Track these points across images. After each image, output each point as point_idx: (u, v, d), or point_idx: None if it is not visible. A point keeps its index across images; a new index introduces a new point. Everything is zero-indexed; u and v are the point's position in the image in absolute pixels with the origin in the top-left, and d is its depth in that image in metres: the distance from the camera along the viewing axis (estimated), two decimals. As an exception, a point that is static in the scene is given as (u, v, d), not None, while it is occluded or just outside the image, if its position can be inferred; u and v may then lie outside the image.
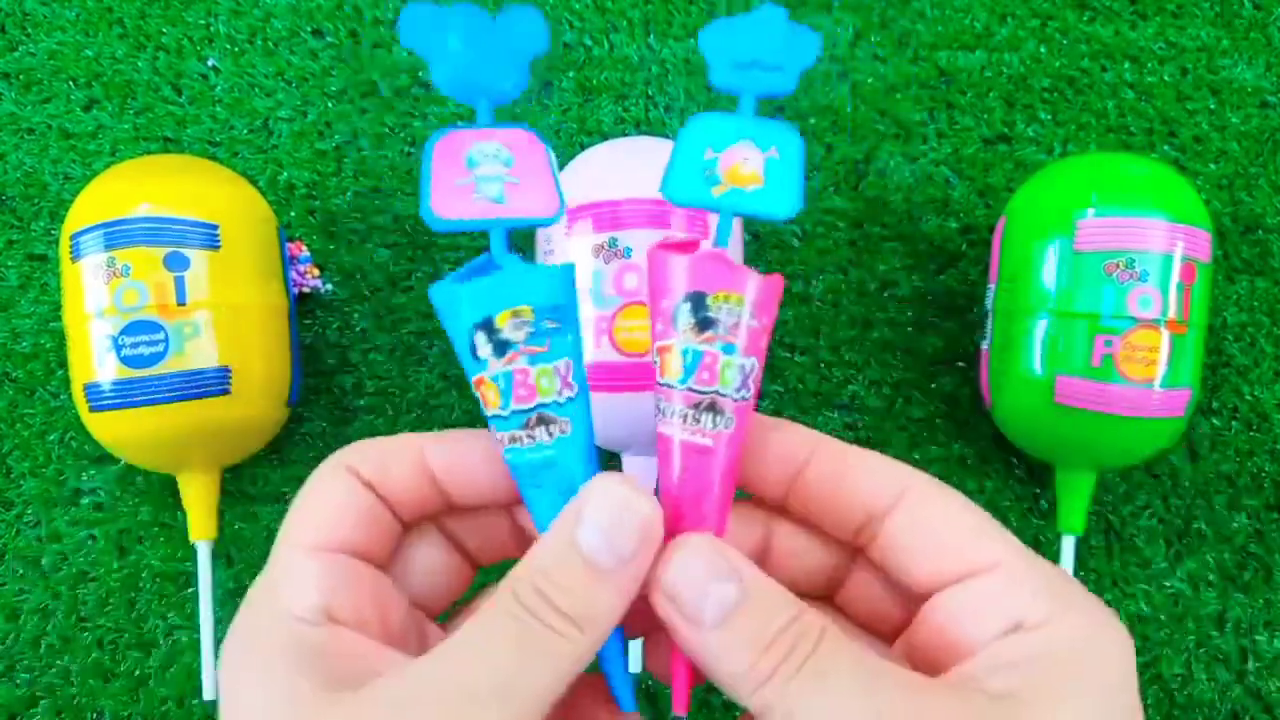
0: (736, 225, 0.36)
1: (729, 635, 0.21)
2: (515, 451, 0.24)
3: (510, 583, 0.21)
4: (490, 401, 0.24)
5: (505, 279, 0.24)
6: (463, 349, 0.24)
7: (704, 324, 0.24)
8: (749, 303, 0.24)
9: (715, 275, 0.24)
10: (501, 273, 0.24)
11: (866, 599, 0.25)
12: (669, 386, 0.24)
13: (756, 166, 0.25)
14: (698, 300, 0.24)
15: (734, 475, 0.24)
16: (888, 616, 0.24)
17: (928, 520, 0.23)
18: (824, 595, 0.25)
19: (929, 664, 0.22)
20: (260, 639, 0.20)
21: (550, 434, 0.24)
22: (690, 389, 0.24)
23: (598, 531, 0.21)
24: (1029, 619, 0.21)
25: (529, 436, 0.24)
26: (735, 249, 0.35)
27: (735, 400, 0.23)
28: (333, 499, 0.23)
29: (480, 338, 0.24)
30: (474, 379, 0.24)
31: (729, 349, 0.24)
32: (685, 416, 0.24)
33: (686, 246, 0.25)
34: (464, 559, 0.26)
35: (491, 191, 0.25)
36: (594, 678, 0.24)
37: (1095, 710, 0.20)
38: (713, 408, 0.23)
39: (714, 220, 0.34)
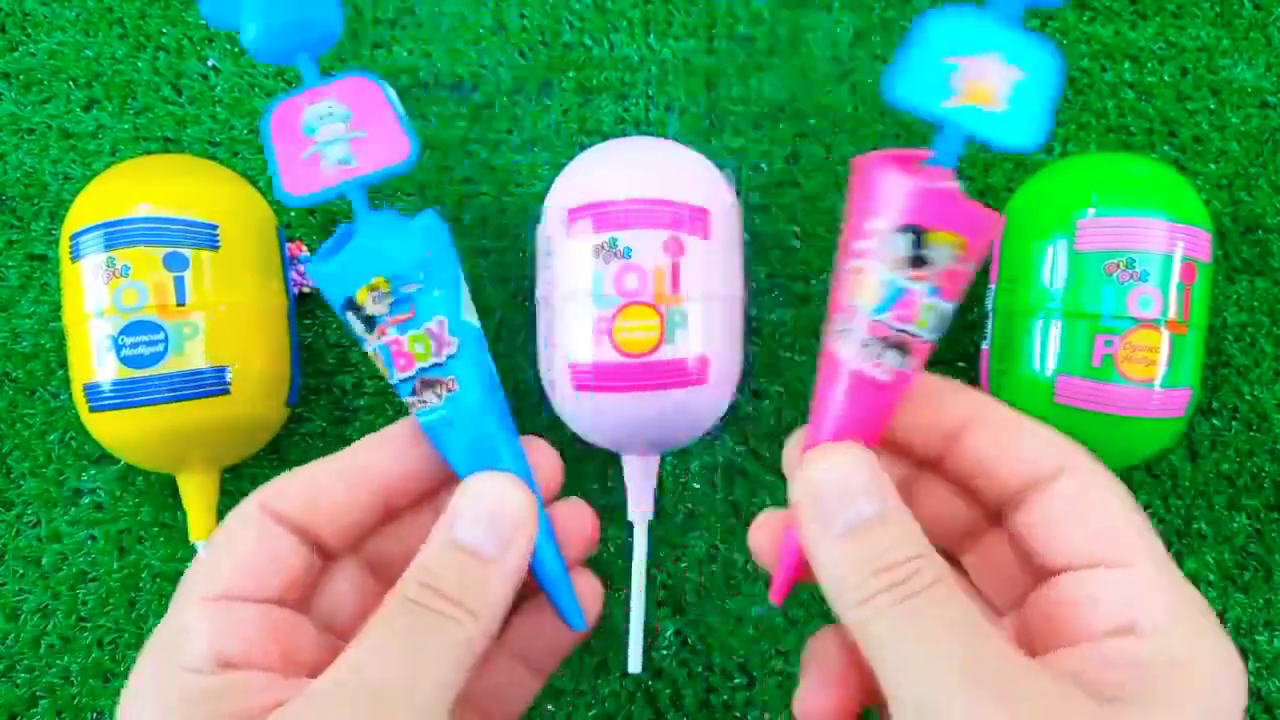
0: (733, 221, 0.36)
1: (851, 547, 0.21)
2: (420, 414, 0.24)
3: (399, 585, 0.22)
4: (383, 373, 0.24)
5: (355, 253, 0.23)
6: (346, 326, 0.24)
7: (917, 261, 0.21)
8: (970, 249, 0.21)
9: (944, 212, 0.21)
10: (353, 243, 0.24)
11: (992, 567, 0.24)
12: (857, 310, 0.22)
13: (1003, 85, 0.21)
14: (917, 235, 0.21)
15: (893, 411, 0.23)
16: (1007, 590, 0.24)
17: (1078, 501, 0.22)
18: (950, 555, 0.25)
19: (1032, 641, 0.22)
20: (150, 695, 0.21)
21: (439, 395, 0.24)
22: (883, 321, 0.22)
23: (475, 523, 0.22)
24: (1144, 625, 0.21)
25: (420, 401, 0.24)
26: (735, 246, 0.35)
27: (925, 341, 0.22)
28: (239, 546, 0.23)
29: (350, 317, 0.24)
30: (366, 353, 0.24)
31: (934, 291, 0.22)
32: (868, 346, 0.22)
33: (904, 160, 0.22)
34: (380, 579, 0.26)
35: (338, 154, 0.24)
36: (544, 605, 0.25)
37: None
38: (900, 346, 0.22)
39: (714, 219, 0.34)
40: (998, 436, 0.23)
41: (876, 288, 0.22)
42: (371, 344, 0.24)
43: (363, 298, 0.23)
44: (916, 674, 0.19)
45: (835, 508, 0.21)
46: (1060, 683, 0.20)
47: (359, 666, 0.20)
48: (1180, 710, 0.20)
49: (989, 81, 0.21)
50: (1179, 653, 0.20)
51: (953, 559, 0.25)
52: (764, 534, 0.25)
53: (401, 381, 0.24)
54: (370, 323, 0.24)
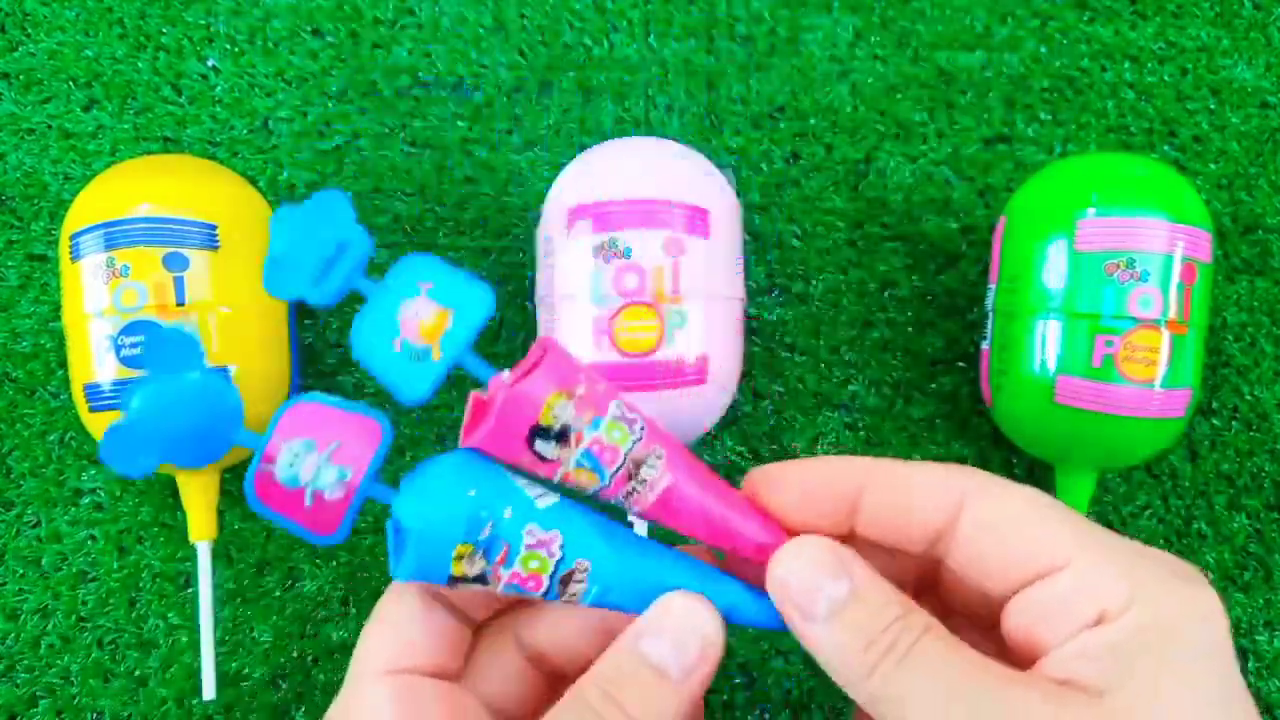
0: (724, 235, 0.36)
1: (839, 629, 0.22)
2: (581, 600, 0.24)
3: (579, 686, 0.22)
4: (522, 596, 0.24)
5: (423, 545, 0.22)
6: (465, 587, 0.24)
7: (563, 436, 0.23)
8: (561, 387, 0.23)
9: (521, 409, 0.23)
10: (411, 542, 0.23)
11: (959, 594, 0.25)
12: (605, 491, 0.24)
13: (432, 308, 0.24)
14: (540, 432, 0.23)
15: (706, 476, 0.25)
16: (983, 607, 0.24)
17: (989, 528, 0.23)
18: (918, 595, 0.25)
19: (1022, 657, 0.22)
20: None
21: (581, 581, 0.24)
22: (612, 476, 0.24)
23: (665, 643, 0.22)
24: (1110, 608, 0.21)
25: (570, 595, 0.24)
26: (735, 246, 0.35)
27: (640, 441, 0.24)
28: (399, 616, 0.24)
29: (458, 585, 0.23)
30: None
31: (594, 424, 0.24)
32: (628, 495, 0.24)
33: (476, 413, 0.24)
34: (538, 666, 0.26)
35: (330, 478, 0.23)
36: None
37: (1191, 688, 0.20)
38: (635, 470, 0.24)
39: (714, 219, 0.34)
40: (888, 497, 0.24)
41: (583, 473, 0.24)
42: (497, 587, 0.23)
43: (459, 570, 0.23)
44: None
45: (810, 600, 0.22)
46: (1059, 690, 0.20)
47: None
48: (1171, 671, 0.20)
49: (425, 317, 0.23)
50: (1145, 619, 0.21)
51: (931, 592, 0.26)
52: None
53: (546, 593, 0.24)
54: (482, 579, 0.23)
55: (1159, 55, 0.42)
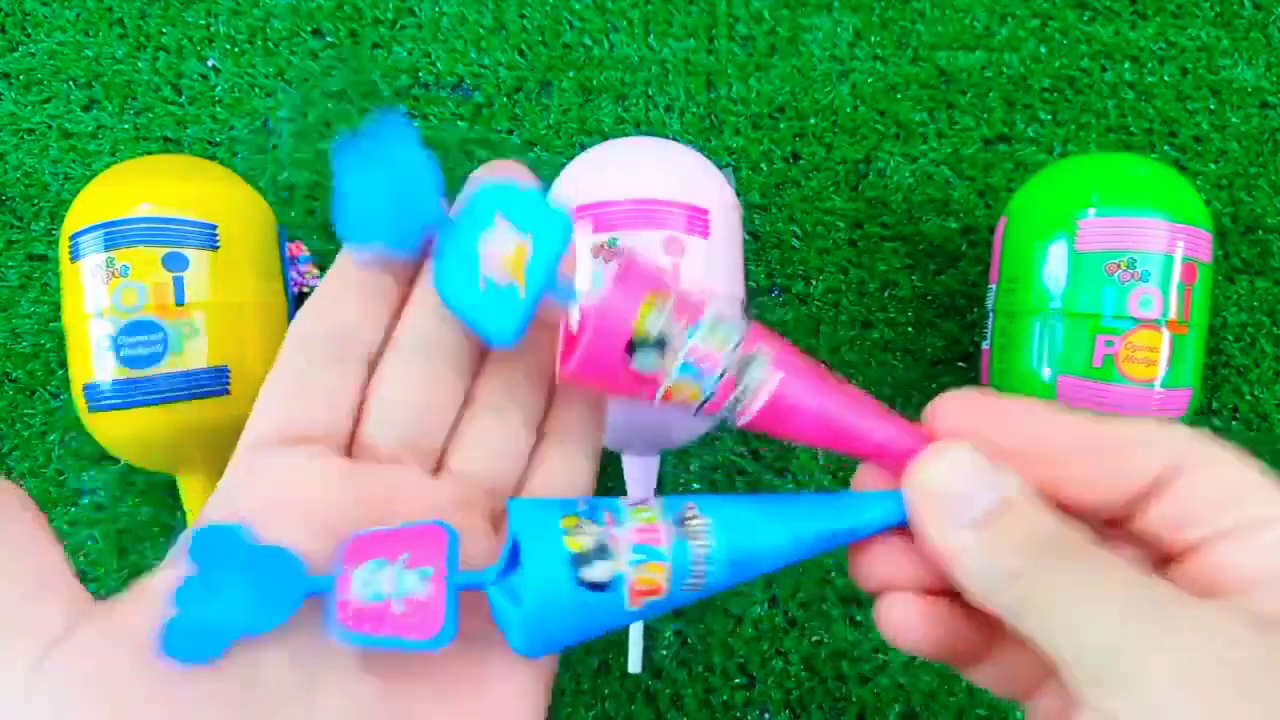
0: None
1: (989, 536, 0.21)
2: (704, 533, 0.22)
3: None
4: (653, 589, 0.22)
5: (542, 580, 0.20)
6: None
7: (660, 345, 0.22)
8: (655, 295, 0.22)
9: (624, 307, 0.22)
10: (535, 599, 0.20)
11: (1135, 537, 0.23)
12: (710, 402, 0.22)
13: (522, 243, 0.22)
14: (639, 343, 0.22)
15: (813, 366, 0.23)
16: (1158, 550, 0.22)
17: (1208, 487, 0.22)
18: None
19: (1202, 592, 0.21)
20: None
21: (695, 518, 0.22)
22: (720, 380, 0.22)
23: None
24: None
25: (694, 531, 0.22)
26: (735, 246, 0.35)
27: (737, 344, 0.22)
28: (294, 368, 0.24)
29: (586, 569, 0.21)
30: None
31: (692, 330, 0.22)
32: (741, 404, 0.22)
33: (570, 341, 0.23)
34: None
35: (413, 582, 0.21)
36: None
37: None
38: (741, 369, 0.22)
39: (714, 219, 0.34)
40: (1087, 454, 0.22)
41: (687, 384, 0.22)
42: (622, 558, 0.21)
43: (578, 546, 0.21)
44: (1094, 630, 0.19)
45: (964, 504, 0.21)
46: (1235, 612, 0.19)
47: None
48: None
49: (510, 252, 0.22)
50: None
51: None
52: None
53: (685, 593, 0.21)
54: (604, 551, 0.21)
55: (1159, 55, 0.42)
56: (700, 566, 0.21)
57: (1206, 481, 0.22)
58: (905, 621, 0.23)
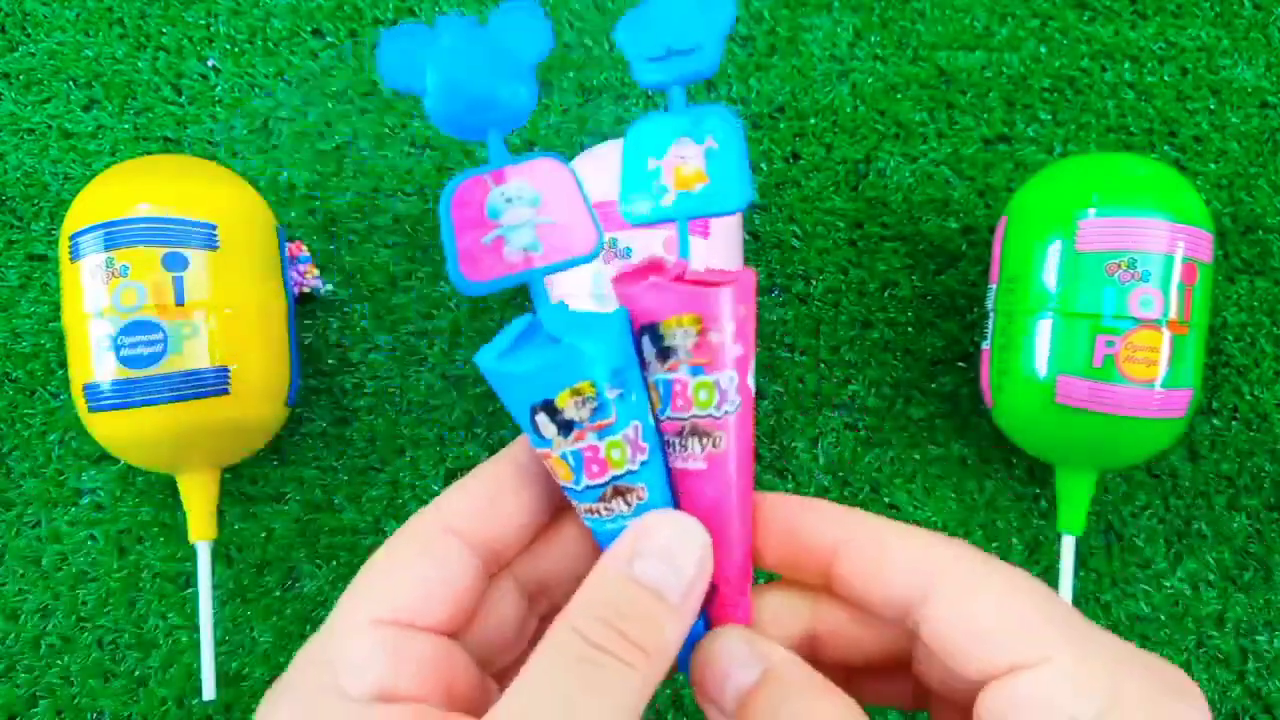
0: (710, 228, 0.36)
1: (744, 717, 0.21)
2: (594, 521, 0.22)
3: (569, 621, 0.20)
4: (562, 475, 0.22)
5: (559, 355, 0.21)
6: (524, 424, 0.22)
7: (664, 353, 0.22)
8: (705, 319, 0.22)
9: (660, 303, 0.22)
10: (550, 347, 0.21)
11: (936, 671, 0.24)
12: (660, 419, 0.23)
13: (698, 163, 0.23)
14: (652, 332, 0.22)
15: (746, 488, 0.23)
16: (960, 688, 0.23)
17: (968, 611, 0.21)
18: (897, 666, 0.24)
19: None
20: (307, 715, 0.20)
21: (629, 504, 0.22)
22: (670, 418, 0.22)
23: (658, 564, 0.21)
24: (1082, 715, 0.19)
25: (606, 509, 0.22)
26: (734, 246, 0.35)
27: (718, 418, 0.22)
28: (415, 566, 0.21)
29: (542, 419, 0.22)
30: (539, 452, 0.22)
31: (695, 370, 0.22)
32: (673, 445, 0.23)
33: (645, 272, 0.23)
34: (536, 609, 0.25)
35: (523, 240, 0.22)
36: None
37: None
38: (695, 431, 0.22)
39: (714, 219, 0.34)
40: (866, 559, 0.22)
41: (656, 392, 0.22)
42: (560, 448, 0.22)
43: (564, 402, 0.21)
44: None
45: (722, 691, 0.22)
46: None
47: (532, 709, 0.19)
48: None
49: (687, 166, 0.23)
50: None
51: (907, 669, 0.25)
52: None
53: (590, 488, 0.22)
54: (567, 427, 0.21)
55: (1159, 55, 0.42)
56: (594, 514, 0.22)
57: (960, 614, 0.21)
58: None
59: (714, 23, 0.23)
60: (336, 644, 0.20)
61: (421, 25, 0.22)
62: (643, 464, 0.22)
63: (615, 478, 0.22)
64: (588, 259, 0.22)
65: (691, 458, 0.22)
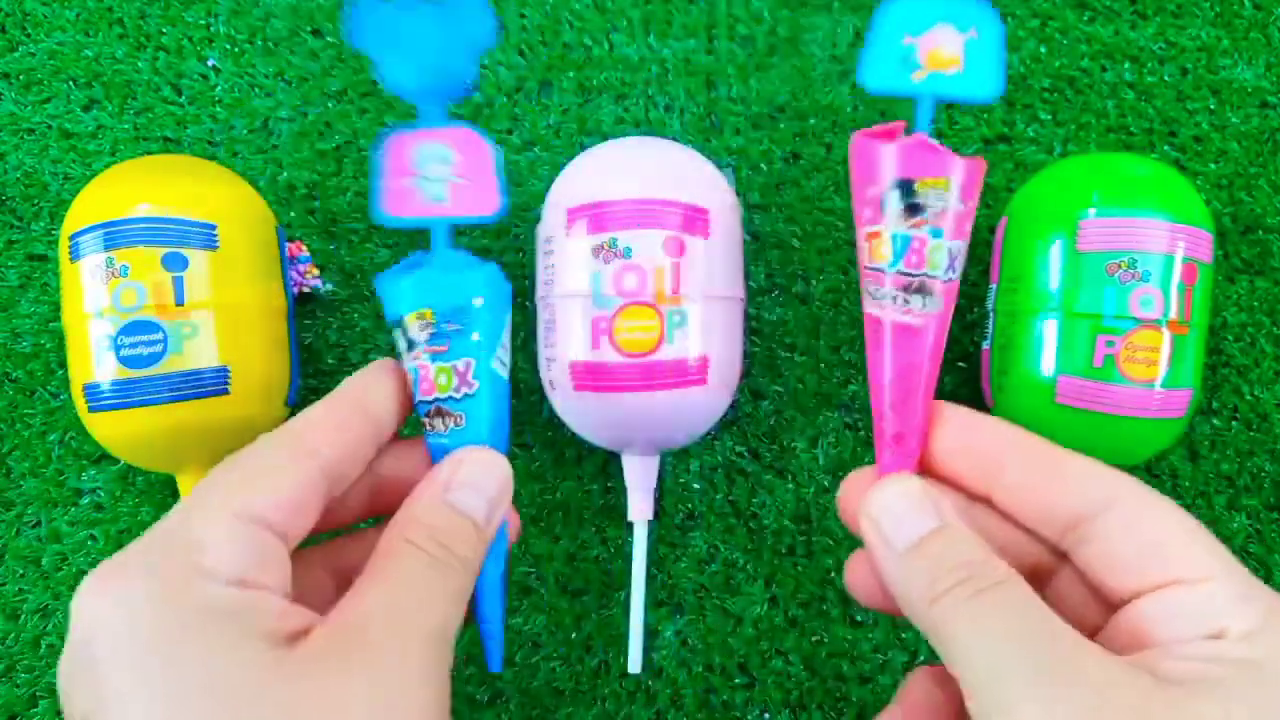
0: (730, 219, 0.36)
1: (916, 557, 0.23)
2: (427, 435, 0.27)
3: (403, 532, 0.24)
4: (409, 387, 0.27)
5: (417, 280, 0.26)
6: (394, 340, 0.27)
7: (912, 209, 0.24)
8: (955, 187, 0.24)
9: (923, 161, 0.24)
10: (420, 272, 0.26)
11: (1072, 593, 0.25)
12: (878, 270, 0.25)
13: (956, 49, 0.25)
14: (906, 187, 0.24)
15: (939, 356, 0.25)
16: (1092, 610, 0.24)
17: (1139, 529, 0.23)
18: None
19: (1119, 651, 0.22)
20: (161, 596, 0.21)
21: (445, 425, 0.27)
22: (900, 272, 0.25)
23: (472, 494, 0.25)
24: (1234, 628, 0.21)
25: (429, 425, 0.27)
26: (735, 246, 0.35)
27: (943, 281, 0.25)
28: (280, 478, 0.23)
29: (396, 333, 0.27)
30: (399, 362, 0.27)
31: (936, 233, 0.25)
32: (895, 298, 0.25)
33: (887, 134, 0.25)
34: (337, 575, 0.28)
35: (435, 191, 0.27)
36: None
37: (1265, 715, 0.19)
38: (921, 289, 0.25)
39: (714, 219, 0.34)
40: (1033, 475, 0.24)
41: (888, 245, 0.25)
42: (405, 362, 0.27)
43: (410, 321, 0.26)
44: (986, 664, 0.20)
45: (897, 529, 0.23)
46: (1124, 666, 0.20)
47: (380, 602, 0.22)
48: (1242, 700, 0.20)
49: (945, 49, 0.25)
50: (1261, 653, 0.20)
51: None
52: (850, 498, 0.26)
53: (421, 402, 0.27)
54: (410, 344, 0.26)
55: (1159, 55, 0.42)
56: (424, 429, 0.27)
57: (1134, 529, 0.23)
58: (862, 578, 0.26)
59: None
60: (200, 528, 0.22)
61: (388, 2, 0.26)
62: (466, 396, 0.26)
63: (439, 399, 0.26)
64: (488, 220, 0.27)
65: (911, 312, 0.25)
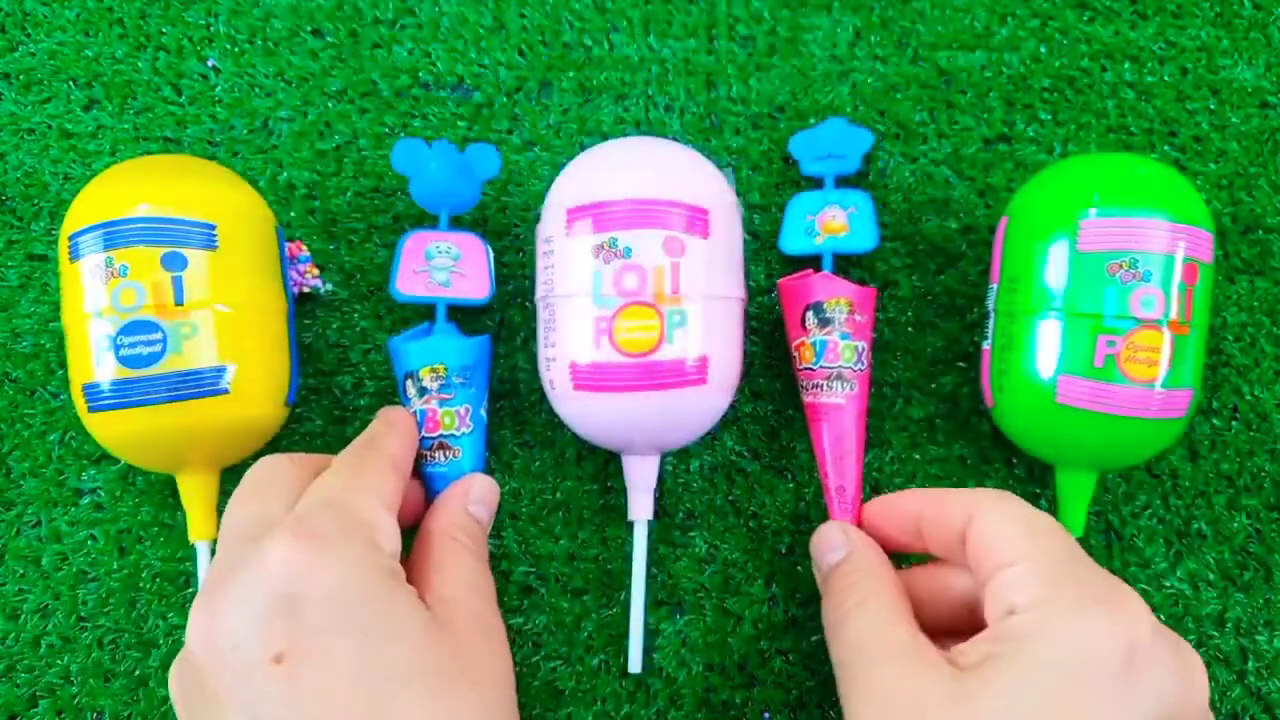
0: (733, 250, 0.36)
1: (828, 585, 0.32)
2: (427, 464, 0.35)
3: (442, 531, 0.32)
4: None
5: (433, 345, 0.35)
6: (399, 388, 0.36)
7: (824, 322, 0.35)
8: (853, 303, 0.35)
9: (828, 288, 0.35)
10: (432, 339, 0.35)
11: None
12: (809, 369, 0.35)
13: (843, 220, 0.36)
14: (818, 307, 0.35)
15: (864, 424, 0.36)
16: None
17: (984, 529, 0.28)
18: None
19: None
20: (359, 563, 0.27)
21: (445, 456, 0.35)
22: (823, 366, 0.35)
23: (483, 508, 0.34)
24: (1020, 603, 0.26)
25: (431, 456, 0.35)
26: (735, 246, 0.35)
27: (854, 370, 0.35)
28: (395, 477, 0.31)
29: (409, 383, 0.35)
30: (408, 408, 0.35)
31: (845, 336, 0.35)
32: (821, 386, 0.35)
33: (803, 276, 0.36)
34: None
35: (440, 278, 0.36)
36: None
37: (1039, 685, 0.24)
38: (840, 377, 0.35)
39: (714, 219, 0.34)
40: (930, 512, 0.31)
41: (810, 349, 0.35)
42: (414, 406, 0.35)
43: (425, 373, 0.35)
44: (852, 657, 0.29)
45: (820, 562, 0.34)
46: (932, 666, 0.26)
47: (463, 578, 0.31)
48: (1011, 670, 0.24)
49: (834, 221, 0.37)
50: (1034, 624, 0.25)
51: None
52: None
53: (425, 437, 0.35)
54: (422, 391, 0.35)
55: (1159, 55, 0.42)
56: (422, 459, 0.35)
57: (981, 530, 0.28)
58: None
59: (858, 144, 0.38)
60: (368, 512, 0.29)
61: (422, 141, 0.37)
62: (464, 434, 0.35)
63: (443, 435, 0.35)
64: (480, 303, 0.36)
65: (834, 394, 0.35)
